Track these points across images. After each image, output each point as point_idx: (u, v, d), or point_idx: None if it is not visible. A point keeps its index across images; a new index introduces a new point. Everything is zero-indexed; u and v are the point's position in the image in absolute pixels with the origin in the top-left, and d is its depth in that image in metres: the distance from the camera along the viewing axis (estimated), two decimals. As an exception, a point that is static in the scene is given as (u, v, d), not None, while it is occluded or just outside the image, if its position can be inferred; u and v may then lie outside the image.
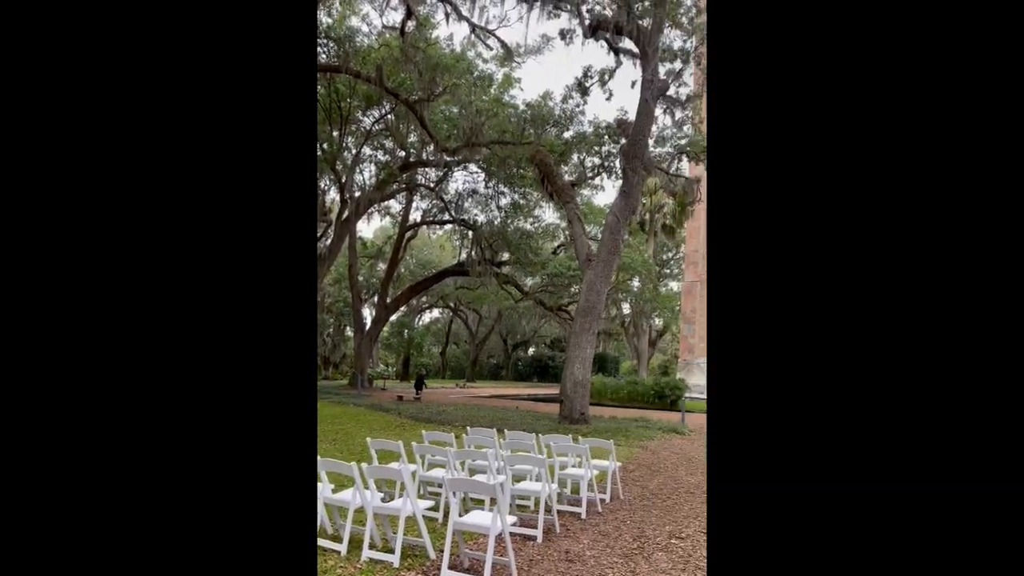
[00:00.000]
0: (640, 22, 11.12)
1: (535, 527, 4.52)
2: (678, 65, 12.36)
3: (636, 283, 26.33)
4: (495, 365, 45.11)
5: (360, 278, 26.16)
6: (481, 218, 20.84)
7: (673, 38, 12.05)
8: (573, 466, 6.10)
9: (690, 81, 15.07)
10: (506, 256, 22.49)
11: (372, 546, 4.03)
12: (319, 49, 14.32)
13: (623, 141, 13.10)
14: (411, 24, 13.08)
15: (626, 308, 31.78)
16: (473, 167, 19.09)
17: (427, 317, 44.41)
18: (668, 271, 37.35)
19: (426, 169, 20.35)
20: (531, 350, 46.35)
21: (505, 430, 7.15)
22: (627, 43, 12.09)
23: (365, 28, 16.50)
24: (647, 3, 10.80)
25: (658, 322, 37.36)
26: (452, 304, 36.96)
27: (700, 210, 18.52)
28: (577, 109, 14.32)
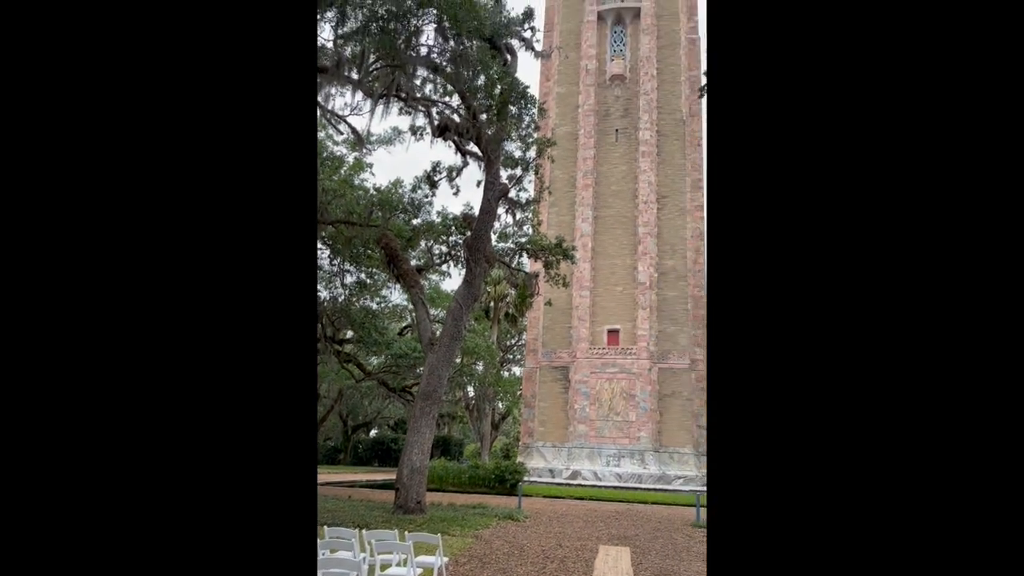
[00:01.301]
0: (484, 130, 12.26)
1: (345, 638, 4.28)
2: (519, 172, 13.69)
3: (480, 367, 26.89)
4: (333, 448, 41.97)
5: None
6: (324, 294, 20.20)
7: (515, 148, 13.42)
8: (397, 564, 5.91)
9: (530, 187, 16.66)
10: (349, 334, 21.81)
11: None
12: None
13: (468, 234, 13.89)
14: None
15: (471, 391, 32.08)
16: (317, 243, 18.70)
17: (258, 396, 40.43)
18: (511, 356, 38.73)
19: (268, 241, 19.41)
20: (373, 432, 44.11)
21: (326, 527, 6.73)
22: (473, 146, 13.19)
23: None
24: (490, 115, 12.00)
25: (501, 406, 38.09)
26: (287, 383, 34.25)
27: (539, 302, 19.84)
28: (426, 199, 15.00)
